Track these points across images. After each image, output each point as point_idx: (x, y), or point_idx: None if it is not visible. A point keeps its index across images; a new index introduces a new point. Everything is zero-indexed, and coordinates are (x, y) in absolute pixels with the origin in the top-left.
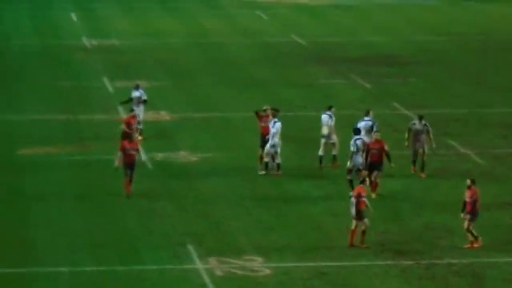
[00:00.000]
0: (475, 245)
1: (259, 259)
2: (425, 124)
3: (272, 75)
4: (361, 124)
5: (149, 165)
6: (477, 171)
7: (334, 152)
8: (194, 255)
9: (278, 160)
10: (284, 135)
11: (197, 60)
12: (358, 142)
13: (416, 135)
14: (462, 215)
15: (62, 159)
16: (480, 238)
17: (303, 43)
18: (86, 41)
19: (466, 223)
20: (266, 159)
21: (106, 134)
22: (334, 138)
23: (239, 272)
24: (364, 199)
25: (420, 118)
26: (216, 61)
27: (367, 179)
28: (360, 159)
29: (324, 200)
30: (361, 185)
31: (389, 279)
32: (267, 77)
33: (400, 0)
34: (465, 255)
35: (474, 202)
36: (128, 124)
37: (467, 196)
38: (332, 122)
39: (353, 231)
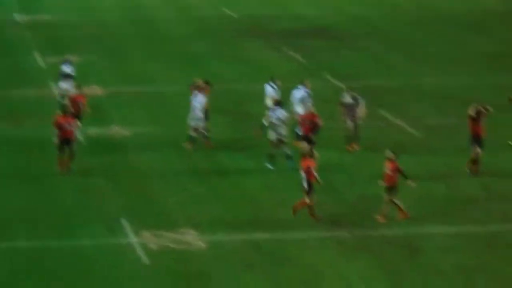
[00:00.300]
0: (402, 216)
1: (194, 232)
2: (355, 97)
3: (204, 49)
4: (295, 94)
5: (82, 141)
6: (411, 142)
7: None
8: (128, 229)
9: (206, 133)
10: (217, 108)
11: (130, 35)
12: (279, 113)
13: (347, 108)
14: (380, 182)
15: None
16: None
17: (234, 16)
18: (17, 17)
19: (386, 196)
20: (191, 133)
21: (39, 110)
22: None
23: (173, 245)
24: (314, 171)
25: (348, 91)
26: (148, 36)
27: (314, 151)
28: (282, 130)
29: (258, 173)
30: (309, 158)
31: (324, 250)
32: (200, 51)
33: None
34: (400, 226)
35: (394, 175)
36: (73, 102)
37: (388, 168)
38: (276, 95)
39: (306, 204)
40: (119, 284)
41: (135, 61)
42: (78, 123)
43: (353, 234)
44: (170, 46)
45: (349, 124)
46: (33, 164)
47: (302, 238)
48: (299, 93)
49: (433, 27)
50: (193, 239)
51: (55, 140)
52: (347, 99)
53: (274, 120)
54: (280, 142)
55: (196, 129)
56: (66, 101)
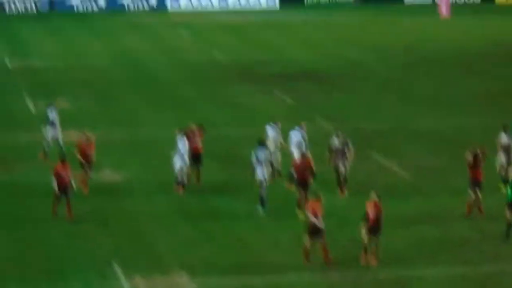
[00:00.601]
0: (372, 262)
1: (186, 276)
2: (344, 141)
3: (195, 93)
4: (292, 136)
5: (74, 185)
6: (402, 184)
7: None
8: (120, 274)
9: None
10: (209, 152)
11: (121, 79)
12: (259, 153)
13: (336, 152)
14: (363, 228)
15: None
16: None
17: (226, 61)
18: (8, 62)
19: (367, 238)
20: (181, 178)
21: (30, 155)
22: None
23: None
24: (319, 215)
25: (337, 135)
26: (139, 80)
27: (320, 194)
28: (261, 171)
29: (249, 216)
30: (315, 201)
31: None
32: (191, 95)
33: (322, 16)
34: (392, 268)
35: (377, 217)
36: (82, 150)
37: (370, 210)
38: (278, 137)
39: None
40: None
41: (125, 105)
42: (89, 172)
43: (345, 276)
44: (161, 91)
45: (340, 168)
46: (24, 209)
47: (294, 281)
48: (296, 135)
49: (424, 69)
50: (185, 283)
51: (54, 188)
52: (336, 142)
53: (254, 160)
54: (260, 182)
55: (182, 173)
56: (60, 148)
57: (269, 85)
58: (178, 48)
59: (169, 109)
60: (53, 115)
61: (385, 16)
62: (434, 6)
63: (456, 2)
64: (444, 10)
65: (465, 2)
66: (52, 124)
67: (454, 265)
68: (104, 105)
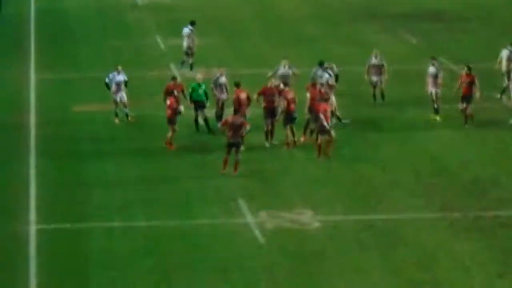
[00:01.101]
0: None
1: (309, 212)
2: (437, 68)
3: (321, 31)
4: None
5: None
6: None
7: None
8: (245, 209)
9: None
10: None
11: (248, 17)
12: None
13: (431, 78)
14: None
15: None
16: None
17: (350, 0)
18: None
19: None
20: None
21: (158, 91)
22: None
23: (289, 225)
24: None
25: (433, 60)
26: (266, 18)
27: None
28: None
29: (372, 154)
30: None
31: (437, 231)
32: (316, 33)
33: None
34: None
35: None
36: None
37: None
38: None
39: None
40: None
41: (253, 43)
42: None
43: (466, 215)
44: (288, 29)
45: (430, 93)
46: (154, 142)
47: (415, 218)
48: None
49: None
50: (308, 218)
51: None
52: (431, 68)
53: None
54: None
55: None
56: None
57: (393, 24)
58: None
59: (294, 47)
60: (124, 77)
61: None
62: None
63: None
64: None
65: None
66: (122, 86)
67: None
68: (231, 43)
